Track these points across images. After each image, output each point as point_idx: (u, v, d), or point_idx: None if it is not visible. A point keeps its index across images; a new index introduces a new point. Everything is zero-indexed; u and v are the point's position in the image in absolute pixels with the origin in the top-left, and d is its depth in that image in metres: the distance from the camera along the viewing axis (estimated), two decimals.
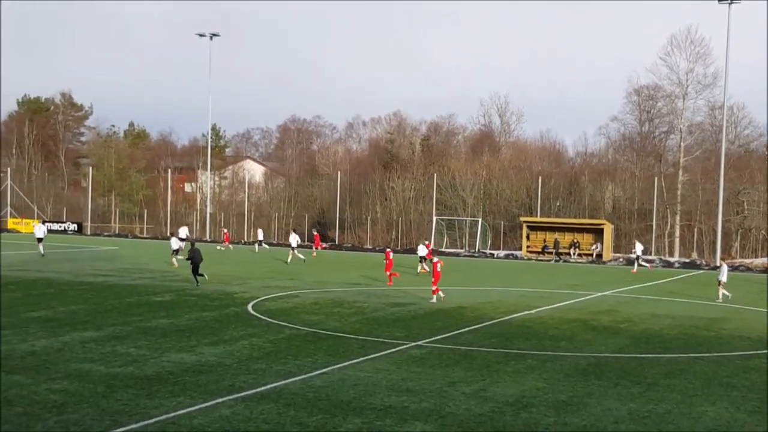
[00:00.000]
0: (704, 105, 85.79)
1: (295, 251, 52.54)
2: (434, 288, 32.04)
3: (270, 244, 71.18)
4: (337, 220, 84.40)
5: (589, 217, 78.11)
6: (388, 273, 39.29)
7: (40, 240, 52.41)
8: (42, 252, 51.03)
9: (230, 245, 68.04)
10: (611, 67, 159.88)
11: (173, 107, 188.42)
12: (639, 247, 56.31)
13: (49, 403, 14.61)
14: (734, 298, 35.00)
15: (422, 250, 47.14)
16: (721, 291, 35.25)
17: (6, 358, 18.33)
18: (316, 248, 61.43)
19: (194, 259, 35.63)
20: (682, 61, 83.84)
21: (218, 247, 66.94)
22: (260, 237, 68.99)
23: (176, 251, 46.96)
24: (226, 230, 74.21)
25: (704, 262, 64.67)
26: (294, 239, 53.77)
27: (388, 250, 42.19)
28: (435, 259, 33.51)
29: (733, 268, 60.01)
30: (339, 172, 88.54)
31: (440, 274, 32.34)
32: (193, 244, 38.14)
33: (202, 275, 35.69)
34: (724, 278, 35.48)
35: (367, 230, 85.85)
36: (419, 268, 45.84)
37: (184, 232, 65.17)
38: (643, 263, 56.33)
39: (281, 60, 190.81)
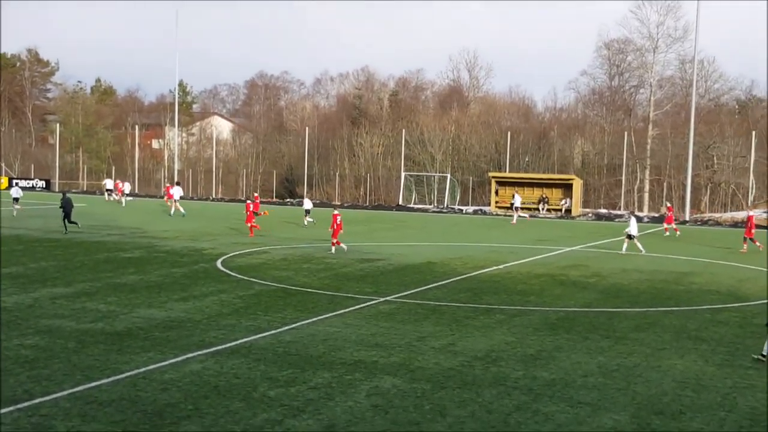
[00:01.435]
0: (674, 59, 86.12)
1: (177, 203, 53.93)
2: (334, 240, 33.16)
3: (134, 195, 70.89)
4: (305, 176, 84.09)
5: (558, 172, 78.25)
6: (248, 225, 40.26)
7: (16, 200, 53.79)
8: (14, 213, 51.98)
9: (123, 198, 67.66)
10: (581, 20, 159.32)
11: (140, 63, 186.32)
12: (518, 198, 58.84)
13: (21, 358, 14.69)
14: (704, 252, 35.30)
15: (308, 204, 48.51)
16: (626, 243, 35.50)
17: None
18: (169, 199, 61.61)
19: (65, 207, 38.53)
20: (652, 14, 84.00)
21: (107, 198, 68.70)
22: (126, 190, 69.34)
23: (16, 199, 49.77)
24: (117, 181, 74.39)
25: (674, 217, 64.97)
26: (177, 192, 55.33)
27: (249, 202, 42.45)
28: (335, 212, 34.20)
29: (702, 223, 60.64)
30: (307, 128, 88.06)
31: (341, 226, 33.43)
32: (65, 194, 40.68)
33: (74, 223, 38.66)
34: (633, 231, 35.66)
35: (335, 186, 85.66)
36: (305, 221, 46.80)
37: (110, 183, 71.69)
38: (522, 214, 58.92)
39: (248, 15, 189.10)
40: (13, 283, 23.14)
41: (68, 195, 40.12)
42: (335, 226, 33.23)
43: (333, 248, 32.98)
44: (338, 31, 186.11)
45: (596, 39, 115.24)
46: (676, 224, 47.84)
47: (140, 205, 58.36)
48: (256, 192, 58.51)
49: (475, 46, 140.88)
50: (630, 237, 35.62)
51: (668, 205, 51.61)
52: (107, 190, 70.89)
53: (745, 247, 37.61)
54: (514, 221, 55.78)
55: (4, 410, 11.75)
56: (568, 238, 42.95)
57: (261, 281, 24.57)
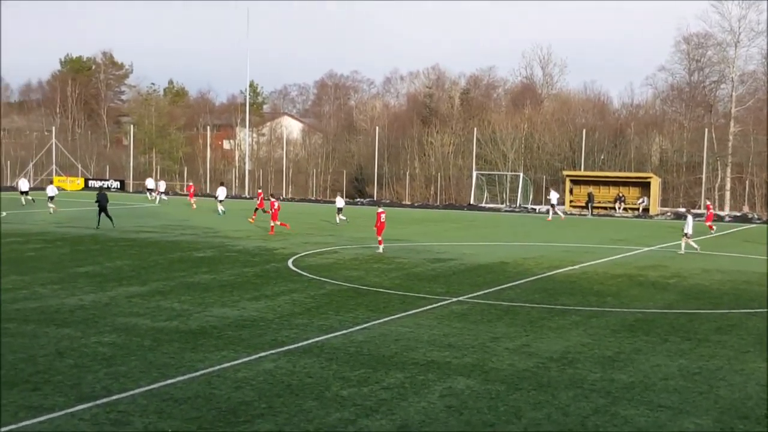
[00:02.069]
0: (757, 53, 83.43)
1: (221, 203, 54.71)
2: (379, 238, 33.24)
3: (205, 196, 71.30)
4: (375, 175, 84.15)
5: (635, 170, 76.91)
6: (274, 223, 40.36)
7: (24, 193, 59.31)
8: (24, 203, 57.59)
9: (159, 196, 68.78)
10: (659, 14, 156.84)
11: (211, 65, 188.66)
12: (554, 195, 59.78)
13: (99, 355, 14.95)
14: None
15: (340, 202, 48.79)
16: (684, 242, 34.85)
17: (56, 312, 18.83)
18: (191, 200, 62.89)
19: (101, 202, 40.39)
20: (734, 8, 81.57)
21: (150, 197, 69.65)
22: (161, 188, 70.92)
23: (51, 198, 52.36)
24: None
25: (756, 216, 63.42)
26: (222, 192, 55.85)
27: (273, 200, 42.44)
28: (379, 210, 34.28)
29: None
30: (377, 128, 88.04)
31: (384, 225, 33.30)
32: (101, 189, 42.95)
33: (110, 218, 40.11)
34: (689, 230, 34.92)
35: (405, 186, 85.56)
36: (337, 219, 47.11)
37: (151, 183, 73.51)
38: (558, 211, 59.05)
39: (317, 15, 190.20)
40: (90, 281, 23.50)
41: (104, 191, 42.22)
42: (379, 224, 33.24)
43: (381, 248, 32.95)
44: (408, 29, 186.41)
45: (675, 33, 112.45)
46: (712, 223, 46.79)
47: (211, 206, 58.78)
48: (260, 189, 59.28)
49: (549, 42, 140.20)
50: (686, 235, 34.99)
51: (707, 203, 50.83)
52: (148, 189, 72.34)
53: None
54: (562, 217, 55.90)
55: (83, 406, 11.93)
56: (646, 238, 42.15)
57: (332, 281, 24.56)
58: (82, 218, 46.66)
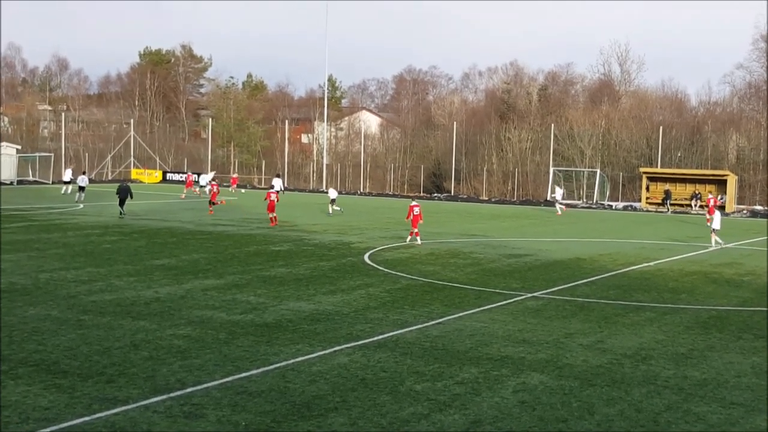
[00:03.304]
0: None
1: (278, 194, 54.75)
2: (415, 231, 33.59)
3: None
4: (452, 171, 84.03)
5: (711, 168, 75.76)
6: (271, 215, 40.47)
7: (67, 183, 60.96)
8: (63, 191, 59.50)
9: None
10: (736, 11, 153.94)
11: (290, 59, 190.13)
12: (559, 191, 60.61)
13: (174, 348, 15.10)
14: None
15: (333, 193, 50.20)
16: (714, 238, 35.15)
17: (132, 304, 19.05)
18: (234, 185, 64.86)
19: (121, 194, 42.45)
20: None
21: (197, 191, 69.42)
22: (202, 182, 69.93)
23: (82, 189, 54.03)
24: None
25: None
26: (278, 183, 57.53)
27: (269, 191, 42.94)
28: (413, 203, 34.57)
29: None
30: (455, 123, 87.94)
31: (418, 218, 33.63)
32: (122, 182, 44.40)
33: (121, 211, 42.07)
34: (717, 226, 35.11)
35: (482, 181, 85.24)
36: (329, 209, 48.44)
37: (203, 179, 70.98)
38: (558, 206, 58.76)
39: (396, 10, 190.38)
40: (166, 274, 23.80)
41: (126, 184, 43.86)
42: (412, 217, 33.60)
43: (408, 238, 33.75)
44: (487, 25, 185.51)
45: (753, 31, 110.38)
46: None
47: (290, 200, 59.35)
48: (215, 180, 59.83)
49: (627, 39, 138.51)
50: (714, 231, 35.16)
51: (710, 196, 50.03)
52: (201, 186, 73.01)
53: None
54: (559, 213, 56.19)
55: (157, 398, 12.10)
56: (722, 236, 41.17)
57: (408, 275, 24.68)
58: (159, 210, 47.46)
